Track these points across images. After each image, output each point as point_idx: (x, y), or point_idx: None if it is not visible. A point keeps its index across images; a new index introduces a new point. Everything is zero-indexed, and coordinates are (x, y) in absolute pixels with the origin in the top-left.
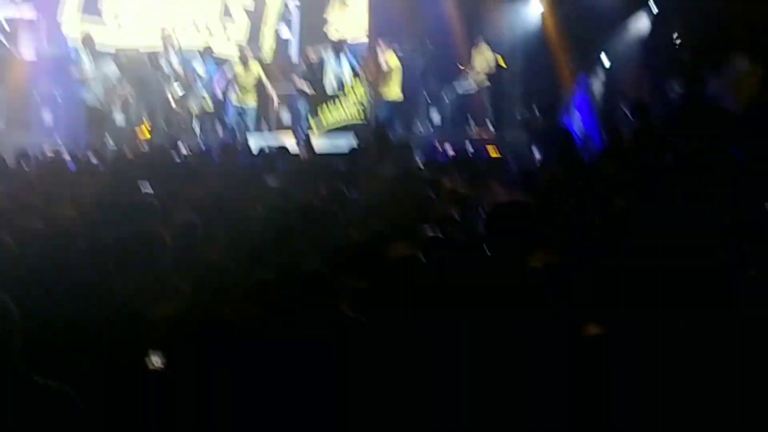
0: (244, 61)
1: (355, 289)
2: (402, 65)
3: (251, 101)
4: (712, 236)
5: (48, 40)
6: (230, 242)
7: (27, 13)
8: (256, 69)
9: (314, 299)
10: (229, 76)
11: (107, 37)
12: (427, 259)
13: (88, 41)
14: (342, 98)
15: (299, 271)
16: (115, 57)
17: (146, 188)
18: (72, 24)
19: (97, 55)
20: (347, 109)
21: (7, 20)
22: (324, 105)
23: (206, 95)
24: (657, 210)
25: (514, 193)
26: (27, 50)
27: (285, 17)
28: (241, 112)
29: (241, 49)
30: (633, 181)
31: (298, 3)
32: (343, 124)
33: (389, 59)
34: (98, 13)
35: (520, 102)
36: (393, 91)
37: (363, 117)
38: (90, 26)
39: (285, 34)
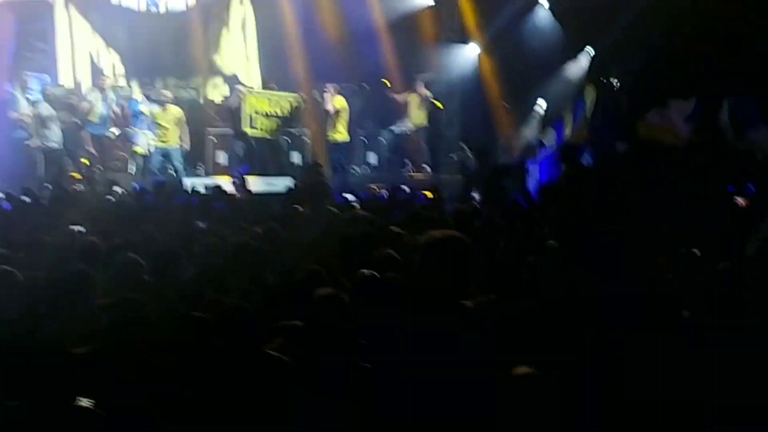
0: (160, 102)
1: (286, 327)
2: None
3: (173, 142)
4: (645, 275)
5: None
6: (160, 280)
7: None
8: (175, 110)
9: (239, 337)
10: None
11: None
12: (360, 298)
13: (23, 83)
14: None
15: (225, 307)
16: (47, 97)
17: (78, 228)
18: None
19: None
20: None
21: None
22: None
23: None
24: (589, 249)
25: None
26: None
27: None
28: (165, 154)
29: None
30: (568, 222)
31: None
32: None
33: (336, 102)
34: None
35: (456, 143)
36: (340, 133)
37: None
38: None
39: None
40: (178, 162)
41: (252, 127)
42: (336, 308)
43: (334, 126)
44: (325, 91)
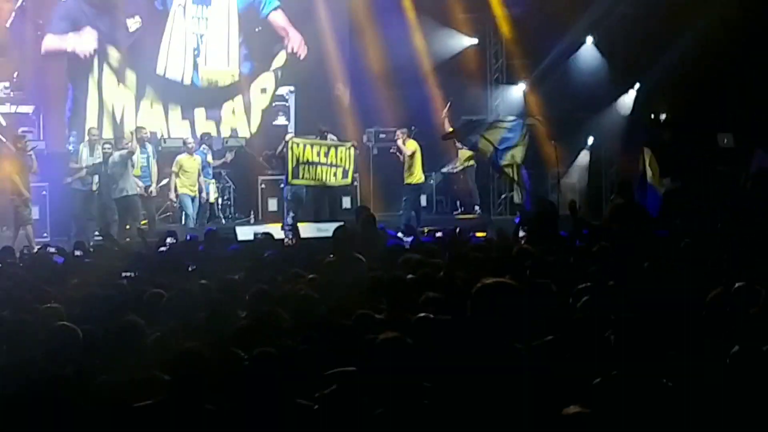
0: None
1: (341, 373)
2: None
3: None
4: (695, 311)
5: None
6: (213, 330)
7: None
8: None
9: (291, 385)
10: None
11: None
12: (415, 340)
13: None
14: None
15: (276, 354)
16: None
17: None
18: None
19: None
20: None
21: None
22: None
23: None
24: (644, 288)
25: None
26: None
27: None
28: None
29: (184, 141)
30: (621, 259)
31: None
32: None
33: (410, 145)
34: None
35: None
36: (416, 175)
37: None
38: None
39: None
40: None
41: (298, 177)
42: (401, 351)
43: (410, 169)
44: (396, 138)
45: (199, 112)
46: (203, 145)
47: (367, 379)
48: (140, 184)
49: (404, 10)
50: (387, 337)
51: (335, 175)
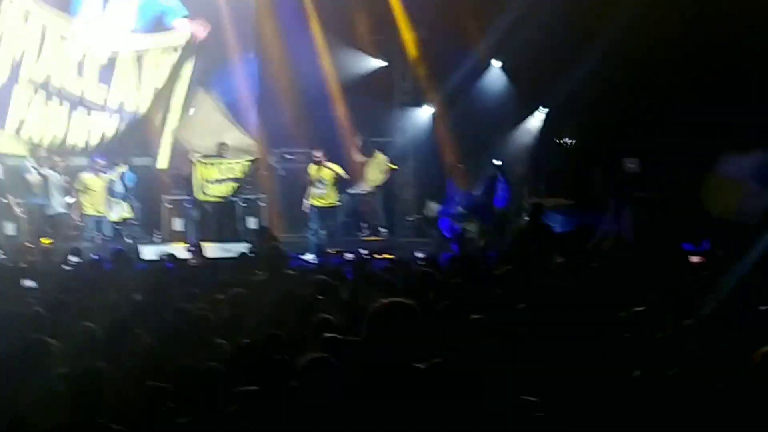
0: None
1: (244, 392)
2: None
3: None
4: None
5: None
6: (117, 349)
7: None
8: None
9: (199, 404)
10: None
11: None
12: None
13: None
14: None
15: (184, 374)
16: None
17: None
18: None
19: None
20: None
21: None
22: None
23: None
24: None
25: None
26: None
27: None
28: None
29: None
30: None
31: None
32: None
33: (334, 167)
34: None
35: (413, 204)
36: (333, 196)
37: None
38: None
39: None
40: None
41: (204, 194)
42: (327, 372)
43: (327, 190)
44: (315, 159)
45: None
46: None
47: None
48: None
49: (312, 30)
50: (314, 357)
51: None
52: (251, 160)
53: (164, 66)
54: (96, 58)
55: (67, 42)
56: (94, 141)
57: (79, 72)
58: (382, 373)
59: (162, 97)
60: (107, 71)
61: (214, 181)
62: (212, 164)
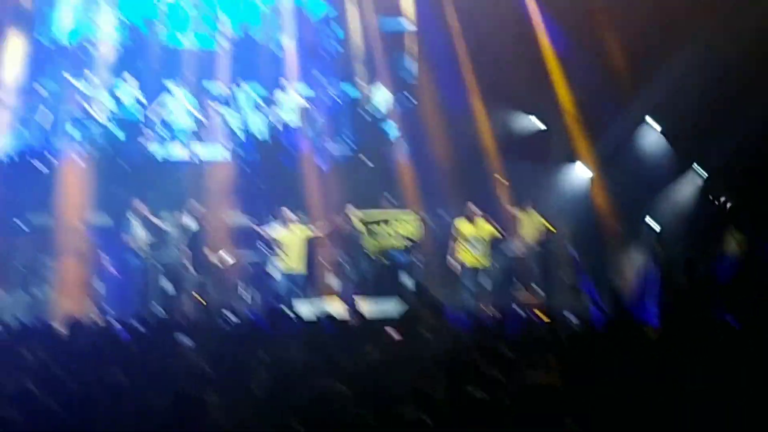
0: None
1: None
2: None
3: (298, 266)
4: None
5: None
6: (274, 407)
7: None
8: (302, 233)
9: None
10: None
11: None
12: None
13: (139, 209)
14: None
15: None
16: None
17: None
18: None
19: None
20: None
21: None
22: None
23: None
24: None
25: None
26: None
27: None
28: (290, 279)
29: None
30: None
31: None
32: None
33: (482, 224)
34: None
35: (568, 266)
36: (478, 258)
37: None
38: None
39: None
40: (299, 288)
41: (363, 251)
42: None
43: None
44: (471, 215)
45: None
46: None
47: None
48: None
49: (468, 87)
50: None
51: (395, 245)
52: (411, 220)
53: None
54: None
55: None
56: None
57: None
58: None
59: None
60: None
61: (372, 239)
62: (372, 222)
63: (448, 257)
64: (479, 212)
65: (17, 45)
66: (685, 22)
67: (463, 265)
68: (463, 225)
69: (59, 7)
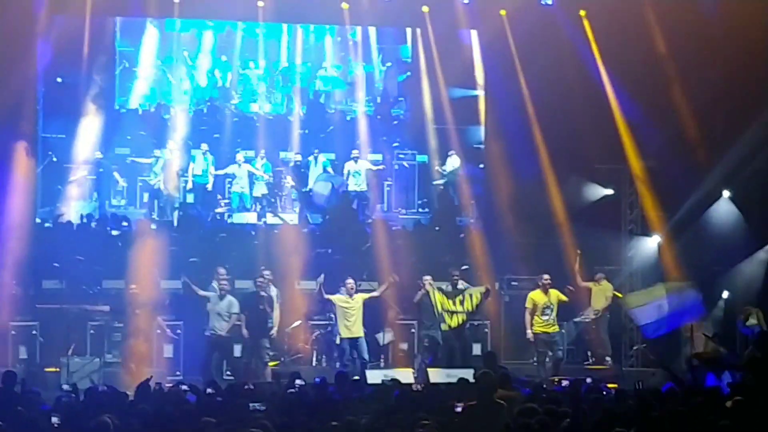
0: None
1: None
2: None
3: (358, 331)
4: None
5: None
6: None
7: None
8: (360, 299)
9: None
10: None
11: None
12: None
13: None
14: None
15: None
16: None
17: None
18: None
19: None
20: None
21: None
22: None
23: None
24: None
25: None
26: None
27: None
28: (353, 344)
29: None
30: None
31: None
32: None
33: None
34: None
35: (637, 333)
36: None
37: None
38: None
39: None
40: (365, 352)
41: (439, 323)
42: None
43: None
44: (544, 284)
45: None
46: None
47: None
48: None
49: (540, 156)
50: None
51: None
52: (483, 292)
53: None
54: None
55: None
56: None
57: None
58: None
59: None
60: None
61: (449, 312)
62: (448, 293)
63: (528, 329)
64: (551, 282)
65: (94, 115)
66: (762, 94)
67: (536, 336)
68: (535, 295)
69: (135, 79)
